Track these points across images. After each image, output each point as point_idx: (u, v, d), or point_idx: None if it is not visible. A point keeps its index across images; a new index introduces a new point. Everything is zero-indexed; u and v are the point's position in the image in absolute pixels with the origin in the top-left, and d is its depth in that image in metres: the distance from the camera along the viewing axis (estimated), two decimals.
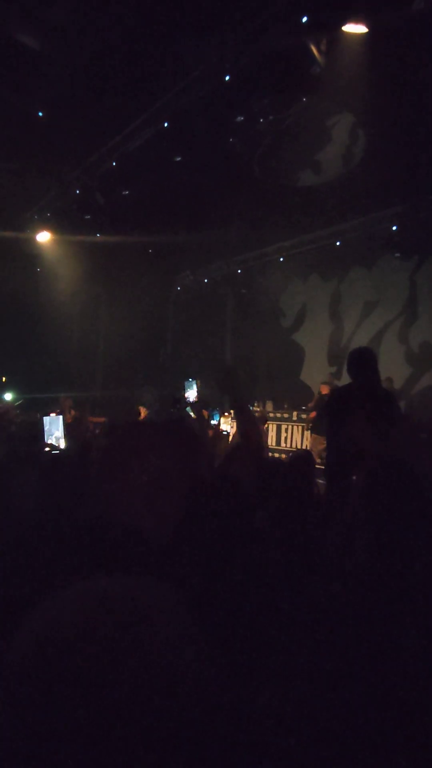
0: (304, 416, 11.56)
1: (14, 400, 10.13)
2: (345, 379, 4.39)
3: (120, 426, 3.43)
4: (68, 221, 11.21)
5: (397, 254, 11.53)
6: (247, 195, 9.62)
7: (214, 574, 1.26)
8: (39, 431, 5.25)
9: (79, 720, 0.52)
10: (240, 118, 7.88)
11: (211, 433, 4.08)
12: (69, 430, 5.82)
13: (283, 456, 10.02)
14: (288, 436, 12.03)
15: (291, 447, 11.74)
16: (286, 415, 12.16)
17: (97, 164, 9.55)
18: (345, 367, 3.75)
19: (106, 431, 6.25)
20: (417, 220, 10.31)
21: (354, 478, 2.52)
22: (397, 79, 6.62)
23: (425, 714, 1.12)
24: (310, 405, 11.14)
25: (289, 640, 1.22)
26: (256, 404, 12.16)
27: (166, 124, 8.12)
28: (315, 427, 10.03)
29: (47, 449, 4.82)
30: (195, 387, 4.34)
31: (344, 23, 6.05)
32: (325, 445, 4.98)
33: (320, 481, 3.26)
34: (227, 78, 7.01)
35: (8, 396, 10.55)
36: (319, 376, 11.93)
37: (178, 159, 8.67)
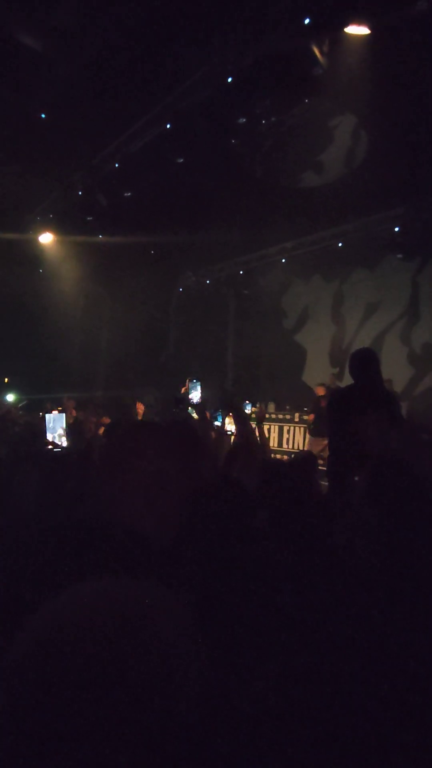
0: (305, 417, 11.54)
1: (17, 401, 10.13)
2: (347, 380, 4.39)
3: (120, 426, 3.43)
4: (70, 222, 11.22)
5: (400, 255, 11.50)
6: (249, 196, 9.61)
7: (215, 574, 1.26)
8: (41, 429, 5.23)
9: (80, 720, 0.52)
10: (242, 120, 7.87)
11: (214, 435, 4.06)
12: (71, 431, 5.80)
13: (285, 457, 10.00)
14: (290, 437, 12.00)
15: (293, 448, 11.71)
16: (288, 417, 12.13)
17: (100, 166, 9.58)
18: (347, 369, 3.75)
19: (106, 431, 6.23)
20: (419, 221, 10.32)
21: (356, 478, 2.52)
22: (399, 80, 6.61)
23: (426, 714, 1.12)
24: (308, 408, 11.12)
25: (290, 641, 1.22)
26: (258, 405, 12.10)
27: (168, 126, 8.14)
28: (313, 430, 10.02)
29: (49, 447, 4.80)
30: (199, 388, 4.33)
31: (346, 25, 6.05)
32: (323, 447, 4.98)
33: (323, 482, 3.26)
34: (229, 79, 7.02)
35: (11, 397, 10.56)
36: (321, 377, 11.90)
37: (181, 160, 8.67)
